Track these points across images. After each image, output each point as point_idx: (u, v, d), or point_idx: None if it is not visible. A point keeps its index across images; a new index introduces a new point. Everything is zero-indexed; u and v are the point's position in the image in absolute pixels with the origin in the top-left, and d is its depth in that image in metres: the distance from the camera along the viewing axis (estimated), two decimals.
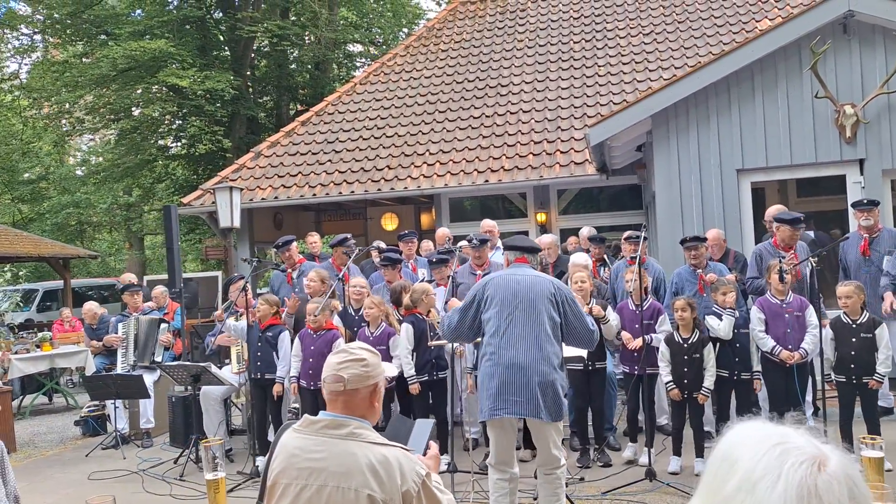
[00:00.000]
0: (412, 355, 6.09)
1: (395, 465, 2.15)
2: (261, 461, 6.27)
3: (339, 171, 11.84)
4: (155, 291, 8.95)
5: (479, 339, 4.86)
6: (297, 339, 6.33)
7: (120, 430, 7.45)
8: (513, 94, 12.59)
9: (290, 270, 7.13)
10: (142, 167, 18.66)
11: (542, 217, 11.33)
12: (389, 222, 14.06)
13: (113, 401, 7.36)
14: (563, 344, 4.32)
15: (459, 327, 4.40)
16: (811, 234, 7.59)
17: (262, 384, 6.40)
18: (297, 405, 8.10)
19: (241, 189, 10.47)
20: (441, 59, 14.17)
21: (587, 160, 10.53)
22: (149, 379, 7.52)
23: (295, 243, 7.21)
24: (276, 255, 11.49)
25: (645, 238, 7.03)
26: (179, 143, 19.79)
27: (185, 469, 6.42)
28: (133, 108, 18.14)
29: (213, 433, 6.81)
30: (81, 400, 10.45)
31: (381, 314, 6.28)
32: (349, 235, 7.33)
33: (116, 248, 28.87)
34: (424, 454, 2.60)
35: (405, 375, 6.09)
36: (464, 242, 6.72)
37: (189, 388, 7.36)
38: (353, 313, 6.45)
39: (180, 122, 18.93)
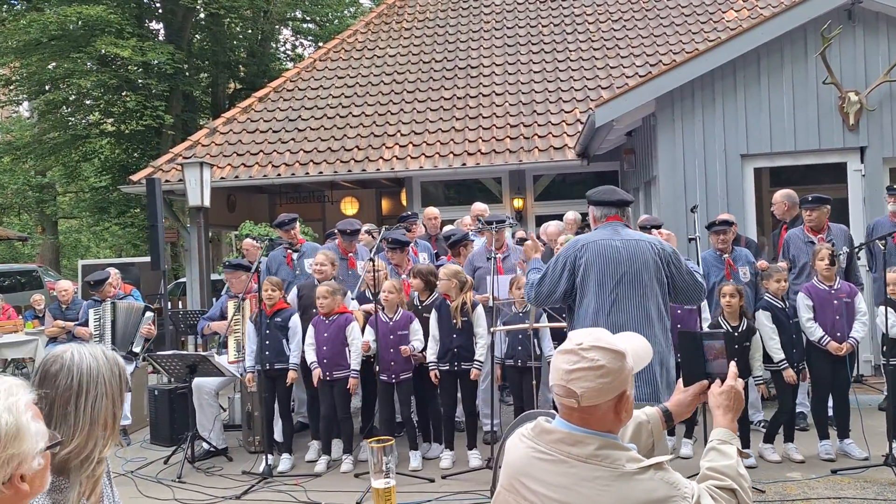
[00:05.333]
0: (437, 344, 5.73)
1: None
2: (271, 459, 5.72)
3: (305, 151, 11.19)
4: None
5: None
6: (309, 327, 5.81)
7: None
8: (483, 75, 12.22)
9: (290, 251, 6.56)
10: (70, 144, 17.28)
11: (518, 203, 11.03)
12: (350, 206, 13.47)
13: None
14: None
15: (550, 295, 3.81)
16: None
17: (271, 375, 5.83)
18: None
19: (212, 166, 9.71)
20: (405, 38, 13.66)
21: (566, 145, 10.30)
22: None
23: (298, 223, 6.64)
24: (236, 239, 10.81)
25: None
26: (111, 119, 18.42)
27: (183, 470, 5.78)
28: (59, 81, 16.69)
29: (210, 430, 6.19)
30: None
31: (399, 299, 5.84)
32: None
33: (28, 233, 26.95)
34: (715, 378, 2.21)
35: (426, 362, 5.72)
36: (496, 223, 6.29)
37: (172, 380, 6.72)
38: (370, 297, 5.96)
39: (110, 96, 17.61)
